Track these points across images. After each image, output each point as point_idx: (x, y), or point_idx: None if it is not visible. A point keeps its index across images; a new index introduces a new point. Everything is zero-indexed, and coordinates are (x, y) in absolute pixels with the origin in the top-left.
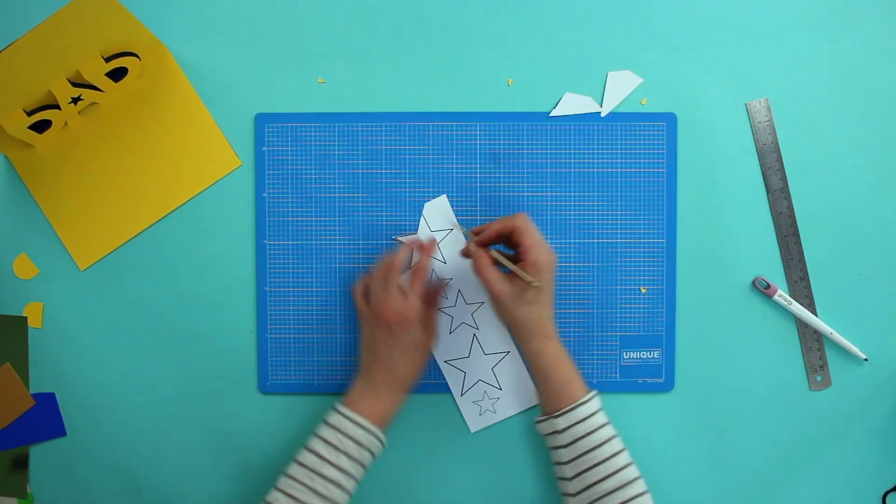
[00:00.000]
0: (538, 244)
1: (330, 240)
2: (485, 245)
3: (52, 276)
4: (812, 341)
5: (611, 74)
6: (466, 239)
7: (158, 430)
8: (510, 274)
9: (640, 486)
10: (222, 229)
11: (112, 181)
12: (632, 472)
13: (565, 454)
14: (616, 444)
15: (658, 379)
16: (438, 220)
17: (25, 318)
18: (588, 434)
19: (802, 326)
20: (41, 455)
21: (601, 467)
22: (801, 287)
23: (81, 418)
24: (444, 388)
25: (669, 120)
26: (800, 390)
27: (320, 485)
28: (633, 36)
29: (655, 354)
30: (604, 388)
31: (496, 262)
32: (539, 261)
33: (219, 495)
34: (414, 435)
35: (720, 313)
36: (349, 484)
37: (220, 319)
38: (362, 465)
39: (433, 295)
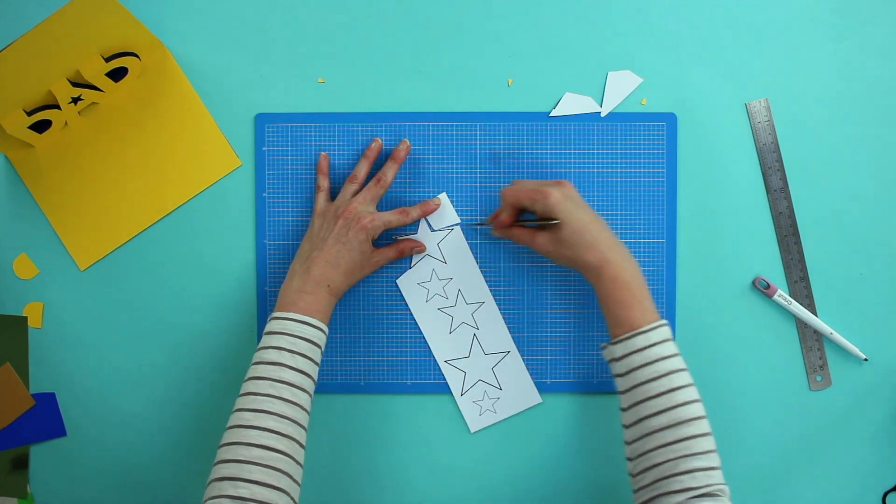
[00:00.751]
0: (537, 192)
1: None
2: (508, 225)
3: (52, 276)
4: (812, 341)
5: (611, 74)
6: (483, 230)
7: (158, 430)
8: (540, 227)
9: (697, 427)
10: (222, 229)
11: (112, 181)
12: (690, 410)
13: (622, 383)
14: (678, 379)
15: None
16: (438, 220)
17: (25, 318)
18: (644, 366)
19: (802, 326)
20: (41, 455)
21: (655, 401)
22: (801, 287)
23: (81, 418)
24: (444, 388)
25: (669, 120)
26: (800, 390)
27: (286, 390)
28: (633, 36)
29: None
30: (604, 388)
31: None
32: (547, 202)
33: None
34: (414, 435)
35: (720, 313)
36: (309, 385)
37: (220, 319)
38: (316, 364)
39: (403, 246)
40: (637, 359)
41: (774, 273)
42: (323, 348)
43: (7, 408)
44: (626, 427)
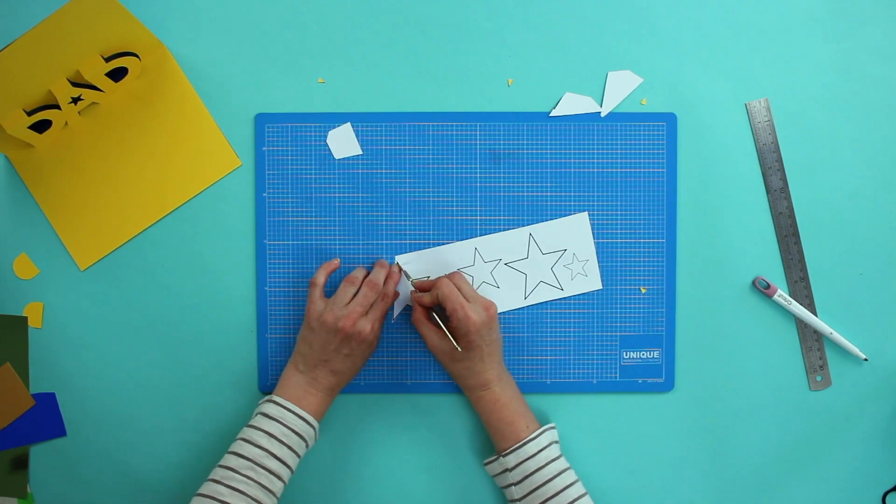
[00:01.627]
0: (462, 307)
1: (330, 240)
2: (421, 303)
3: (53, 276)
4: (812, 341)
5: (611, 74)
6: (410, 285)
7: (158, 429)
8: (443, 335)
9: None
10: (222, 229)
11: (112, 181)
12: (585, 502)
13: (517, 491)
14: (568, 478)
15: (658, 379)
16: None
17: (25, 318)
18: (537, 470)
19: (802, 326)
20: (41, 455)
21: (553, 501)
22: (801, 287)
23: (81, 418)
24: (444, 388)
25: (669, 120)
26: (800, 390)
27: (264, 477)
28: (633, 36)
29: (655, 354)
30: (604, 388)
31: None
32: (463, 325)
33: None
34: (414, 435)
35: (720, 313)
36: (287, 476)
37: (220, 319)
38: (299, 457)
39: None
40: (530, 465)
41: (774, 273)
42: (311, 446)
43: (7, 408)
44: None
